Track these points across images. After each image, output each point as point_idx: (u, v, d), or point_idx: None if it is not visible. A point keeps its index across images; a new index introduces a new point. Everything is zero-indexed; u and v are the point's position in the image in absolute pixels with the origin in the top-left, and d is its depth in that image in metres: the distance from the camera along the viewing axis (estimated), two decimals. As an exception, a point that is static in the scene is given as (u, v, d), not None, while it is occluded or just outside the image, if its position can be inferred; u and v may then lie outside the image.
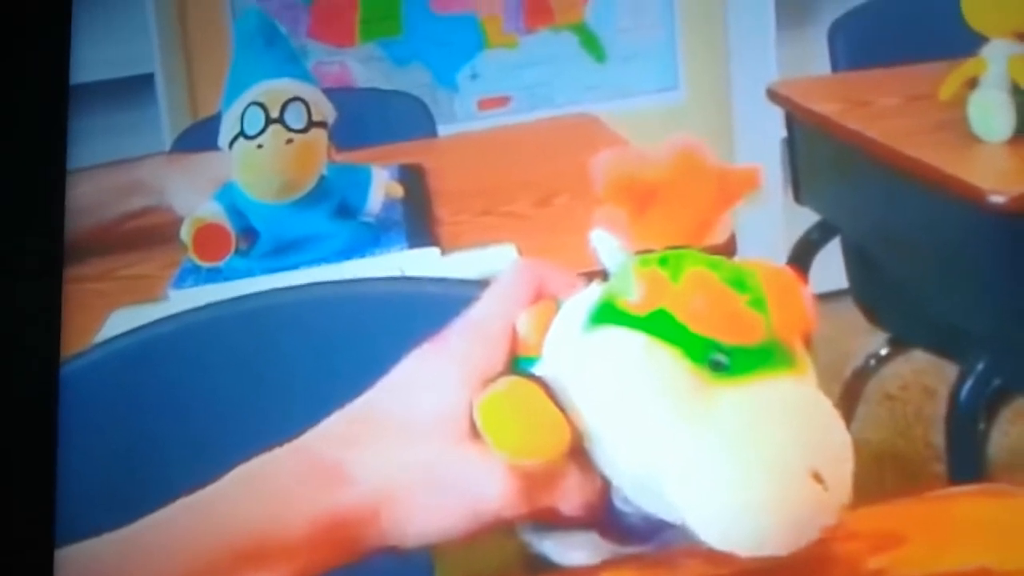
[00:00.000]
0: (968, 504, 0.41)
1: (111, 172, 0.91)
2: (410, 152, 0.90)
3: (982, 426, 0.85)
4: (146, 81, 1.17)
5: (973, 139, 0.89)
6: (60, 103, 0.69)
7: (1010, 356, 0.85)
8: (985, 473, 0.87)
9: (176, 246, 0.80)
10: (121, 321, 0.71)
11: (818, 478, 0.32)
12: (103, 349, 0.60)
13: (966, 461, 0.83)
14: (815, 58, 1.12)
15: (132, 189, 0.90)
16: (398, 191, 0.82)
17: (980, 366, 0.83)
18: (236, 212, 0.79)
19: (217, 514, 0.35)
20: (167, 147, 1.14)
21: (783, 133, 1.03)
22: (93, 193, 0.88)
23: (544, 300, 0.38)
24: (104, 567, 0.35)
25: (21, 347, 0.61)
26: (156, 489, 0.36)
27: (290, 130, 0.77)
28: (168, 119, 1.18)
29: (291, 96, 0.77)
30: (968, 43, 0.91)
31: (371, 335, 0.55)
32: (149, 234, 0.88)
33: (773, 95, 1.01)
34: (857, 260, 1.01)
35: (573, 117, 0.86)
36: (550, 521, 0.37)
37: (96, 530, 0.35)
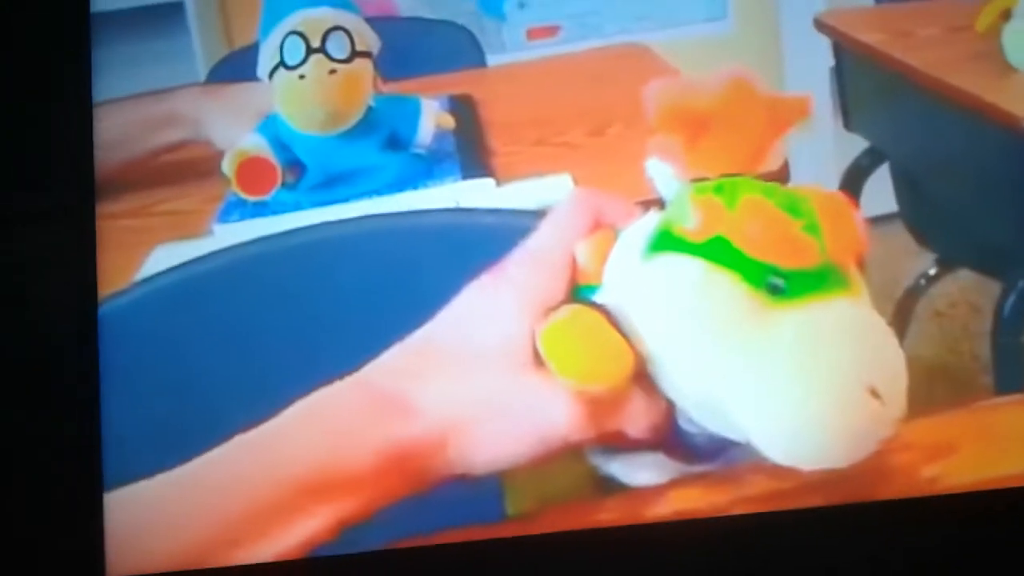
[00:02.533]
0: (1014, 413, 0.43)
1: (141, 104, 0.89)
2: (459, 82, 0.89)
3: (1025, 339, 0.87)
4: (175, 9, 1.16)
5: (1009, 68, 0.91)
6: (81, 31, 0.68)
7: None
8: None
9: (217, 180, 0.79)
10: (164, 258, 0.68)
11: (875, 393, 0.34)
12: (145, 287, 0.58)
13: (1010, 373, 0.85)
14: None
15: (166, 121, 0.89)
16: (449, 122, 0.80)
17: (1022, 283, 0.85)
18: (280, 144, 0.78)
19: (278, 449, 0.36)
20: (201, 78, 1.13)
21: (832, 62, 1.04)
22: (124, 126, 0.87)
23: (602, 229, 0.40)
24: (157, 508, 0.35)
25: (58, 286, 0.61)
26: (207, 428, 0.36)
27: (333, 60, 0.75)
28: (201, 49, 1.17)
29: (332, 25, 0.76)
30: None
31: (428, 267, 0.54)
32: (187, 168, 0.87)
33: (820, 25, 1.02)
34: (905, 185, 1.02)
35: (623, 47, 0.84)
36: (617, 444, 0.38)
37: (146, 473, 0.35)
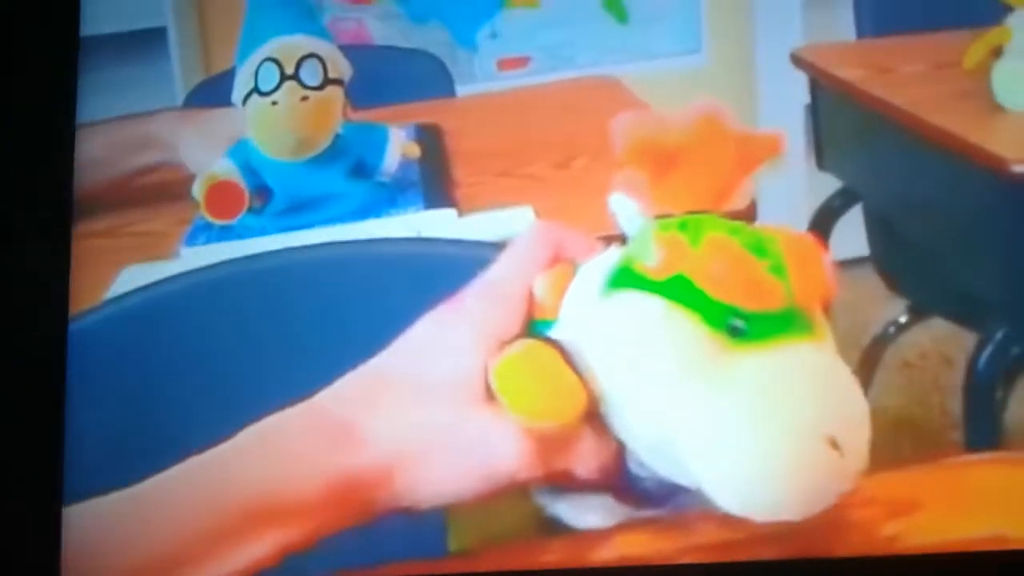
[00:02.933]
0: (984, 471, 0.42)
1: (121, 126, 0.90)
2: (428, 112, 0.90)
3: (1000, 394, 0.85)
4: (158, 35, 1.17)
5: (997, 108, 0.89)
6: (70, 56, 0.69)
7: (1030, 325, 0.85)
8: (1001, 441, 0.88)
9: (188, 203, 0.80)
10: (132, 277, 0.71)
11: (835, 444, 0.33)
12: (113, 306, 0.60)
13: (983, 429, 0.84)
14: (840, 23, 1.11)
15: (143, 144, 0.90)
16: (415, 151, 0.82)
17: (999, 335, 0.84)
18: (249, 170, 0.79)
19: (228, 473, 0.35)
20: (179, 102, 1.14)
21: (807, 99, 1.03)
22: (103, 147, 0.87)
23: (561, 263, 0.39)
24: (113, 524, 0.35)
25: (32, 303, 0.61)
26: (165, 447, 0.36)
27: (305, 87, 0.77)
28: (180, 74, 1.18)
29: (306, 52, 0.77)
30: (993, 12, 0.91)
31: (386, 296, 0.54)
32: (160, 190, 0.88)
33: (797, 60, 1.01)
34: (878, 227, 1.01)
35: (594, 79, 0.85)
36: (565, 484, 0.37)
37: (104, 488, 0.35)
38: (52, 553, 0.41)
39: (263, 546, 0.35)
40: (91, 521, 0.35)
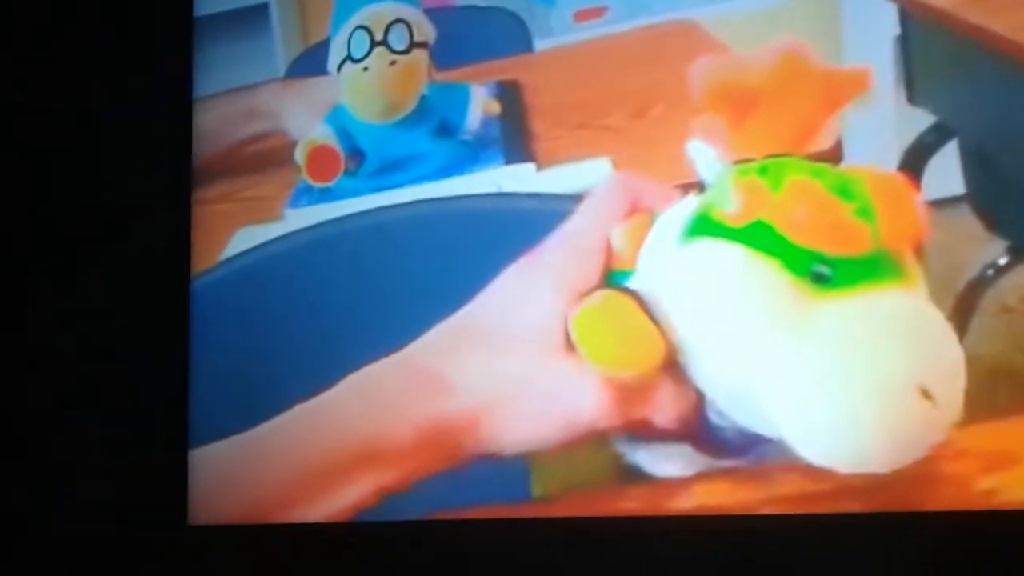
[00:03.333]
0: (1088, 423, 0.38)
1: (231, 99, 0.92)
2: (507, 68, 0.89)
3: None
4: (261, 12, 1.18)
5: (1103, 33, 0.81)
6: (185, 35, 0.71)
7: None
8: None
9: (291, 168, 0.81)
10: (244, 239, 0.73)
11: (927, 394, 0.30)
12: (228, 266, 0.62)
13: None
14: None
15: (251, 114, 0.92)
16: (495, 108, 0.81)
17: (1108, 276, 0.77)
18: (345, 134, 0.80)
19: (330, 420, 0.36)
20: (282, 73, 1.15)
21: (896, 30, 0.97)
22: (216, 119, 0.90)
23: (639, 213, 0.37)
24: (232, 466, 0.37)
25: (159, 264, 0.64)
26: (278, 394, 0.37)
27: (393, 52, 0.77)
28: (282, 46, 1.19)
29: (394, 18, 0.77)
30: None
31: (470, 250, 0.55)
32: (267, 157, 0.90)
33: (885, -12, 0.95)
34: (976, 164, 0.94)
35: (671, 24, 0.82)
36: (644, 432, 0.36)
37: (225, 433, 0.37)
38: (180, 491, 0.44)
39: (362, 488, 0.35)
40: (214, 463, 0.38)
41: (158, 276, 0.65)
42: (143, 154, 0.70)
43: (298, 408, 0.37)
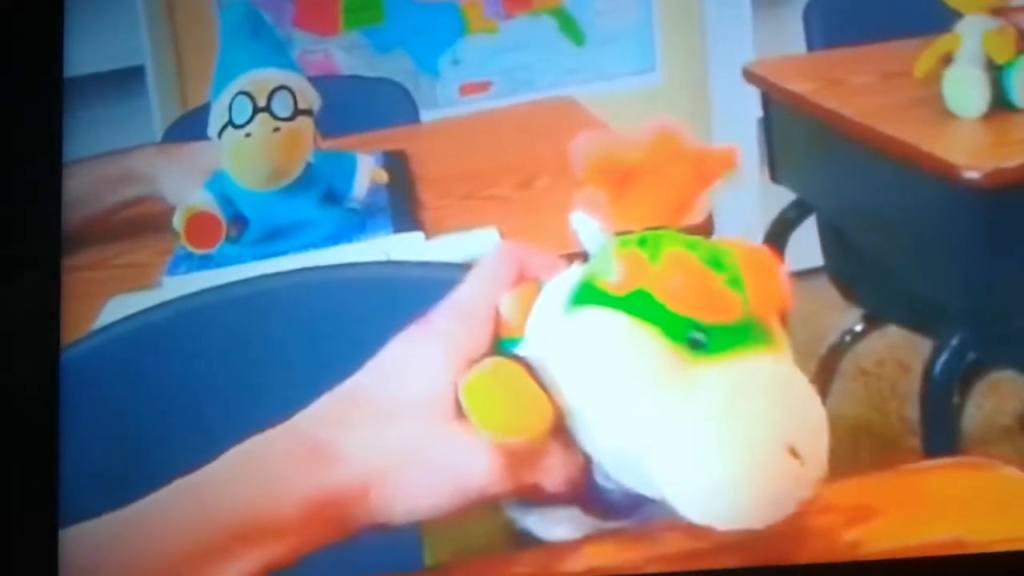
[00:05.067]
0: (942, 477, 0.41)
1: (104, 163, 0.90)
2: (393, 138, 0.90)
3: (957, 400, 0.85)
4: (137, 73, 1.16)
5: (948, 115, 0.89)
6: (54, 97, 0.69)
7: (985, 330, 0.85)
8: (959, 446, 0.87)
9: (169, 234, 0.80)
10: (118, 308, 0.71)
11: (794, 452, 0.32)
12: (101, 335, 0.60)
13: (941, 435, 0.83)
14: (790, 38, 1.11)
15: (125, 179, 0.89)
16: (383, 177, 0.82)
17: (955, 341, 0.83)
18: (226, 200, 0.79)
19: (211, 494, 0.35)
20: (158, 137, 1.13)
21: (759, 113, 1.03)
22: (87, 184, 0.87)
23: (526, 282, 0.38)
24: (106, 545, 0.35)
25: (24, 334, 0.61)
26: (154, 469, 0.36)
27: (277, 118, 0.77)
28: (159, 110, 1.17)
29: (277, 85, 0.77)
30: (942, 19, 0.90)
31: (358, 318, 0.55)
32: (142, 223, 0.88)
33: (749, 75, 1.00)
34: (832, 238, 1.00)
35: (553, 100, 0.85)
36: (534, 497, 0.37)
37: (97, 511, 0.35)
38: (50, 574, 0.41)
39: (246, 564, 0.34)
40: (86, 543, 0.35)
41: (24, 345, 0.62)
42: (8, 218, 0.67)
43: (177, 483, 0.35)
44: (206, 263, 0.78)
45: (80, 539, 0.35)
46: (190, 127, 0.93)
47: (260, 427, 0.36)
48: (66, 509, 0.49)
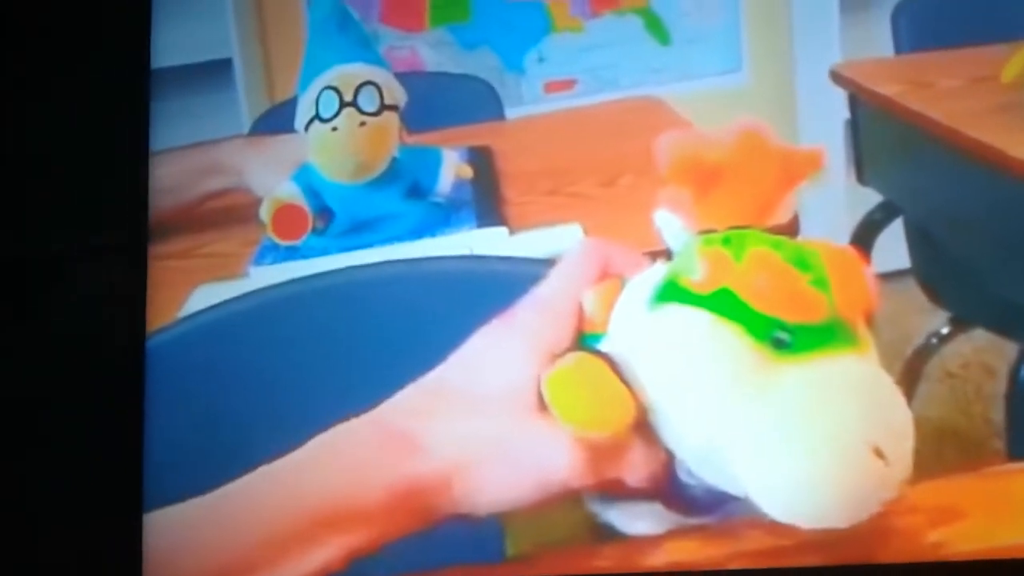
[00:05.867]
0: (1026, 480, 0.41)
1: (193, 153, 0.92)
2: (479, 134, 0.90)
3: (1041, 403, 0.83)
4: (225, 66, 1.19)
5: (1034, 121, 0.86)
6: (142, 87, 0.71)
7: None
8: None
9: (254, 225, 0.81)
10: (204, 297, 0.71)
11: (879, 453, 0.32)
12: (187, 323, 0.61)
13: (1024, 438, 0.81)
14: (878, 40, 1.09)
15: (212, 170, 0.91)
16: (468, 172, 0.82)
17: (1040, 344, 0.81)
18: (312, 192, 0.80)
19: (296, 481, 0.36)
20: (245, 130, 1.16)
21: (846, 114, 1.02)
22: (176, 173, 0.89)
23: (609, 278, 0.38)
24: (191, 530, 0.35)
25: (112, 321, 0.63)
26: (238, 457, 0.36)
27: (363, 113, 0.77)
28: (246, 103, 1.20)
29: (364, 80, 0.78)
30: (1030, 25, 0.88)
31: (442, 311, 0.55)
32: (229, 213, 0.90)
33: (836, 77, 0.99)
34: (919, 240, 0.99)
35: (638, 99, 0.85)
36: (616, 492, 0.37)
37: (182, 495, 0.36)
38: (135, 558, 0.42)
39: (330, 551, 0.35)
40: (170, 527, 0.36)
41: (111, 331, 0.64)
42: (97, 205, 0.69)
43: (261, 470, 0.36)
44: (292, 254, 0.79)
45: (165, 523, 0.36)
46: (277, 120, 0.95)
47: (344, 416, 0.37)
48: (151, 493, 0.51)
